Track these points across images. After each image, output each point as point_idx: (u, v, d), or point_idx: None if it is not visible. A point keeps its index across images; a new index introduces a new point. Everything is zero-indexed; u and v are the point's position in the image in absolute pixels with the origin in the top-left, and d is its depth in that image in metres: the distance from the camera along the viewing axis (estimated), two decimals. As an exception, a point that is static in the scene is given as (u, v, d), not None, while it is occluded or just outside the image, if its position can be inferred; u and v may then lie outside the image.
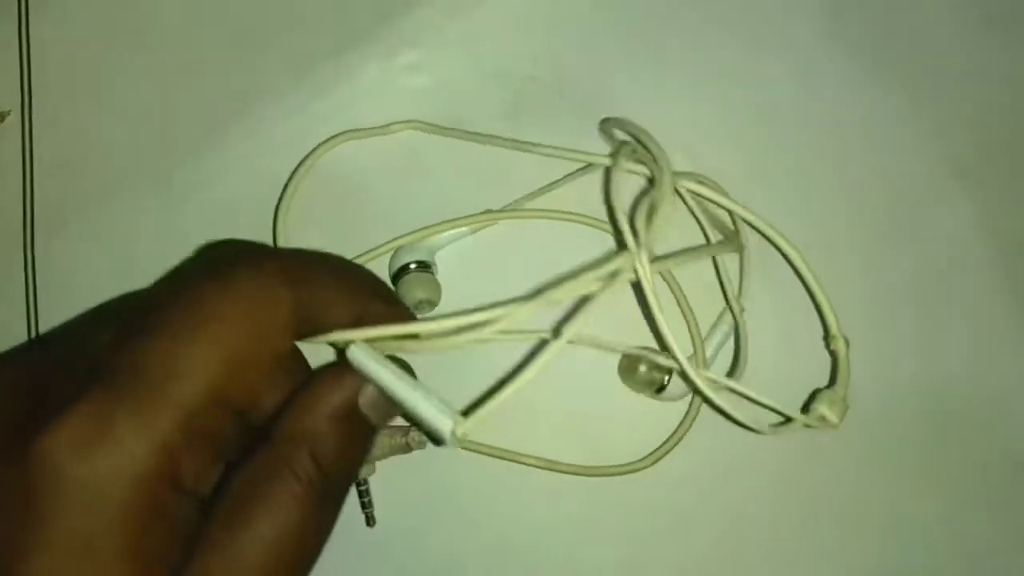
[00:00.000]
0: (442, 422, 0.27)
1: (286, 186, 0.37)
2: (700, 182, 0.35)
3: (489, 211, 0.37)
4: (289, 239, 0.36)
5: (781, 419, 0.32)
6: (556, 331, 0.27)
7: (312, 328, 0.26)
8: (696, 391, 0.30)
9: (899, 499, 0.36)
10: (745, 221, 0.35)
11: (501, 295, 0.35)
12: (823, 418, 0.31)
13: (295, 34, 0.38)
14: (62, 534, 0.21)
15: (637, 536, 0.36)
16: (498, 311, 0.28)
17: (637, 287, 0.29)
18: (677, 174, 0.35)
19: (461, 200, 0.37)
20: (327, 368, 0.28)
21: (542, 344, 0.33)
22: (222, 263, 0.26)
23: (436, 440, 0.26)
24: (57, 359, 0.25)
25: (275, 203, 0.37)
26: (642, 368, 0.35)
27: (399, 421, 0.32)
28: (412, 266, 0.35)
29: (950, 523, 0.36)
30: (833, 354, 0.33)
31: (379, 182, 0.38)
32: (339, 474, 0.26)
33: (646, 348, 0.34)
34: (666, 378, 0.35)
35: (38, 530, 0.21)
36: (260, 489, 0.24)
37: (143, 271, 0.33)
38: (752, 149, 0.38)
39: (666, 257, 0.33)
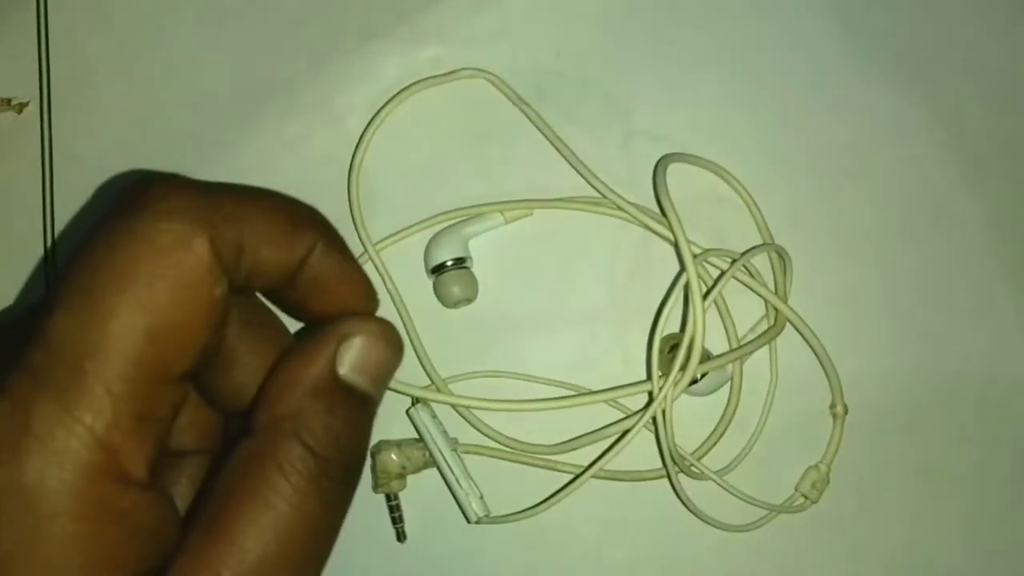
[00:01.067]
0: (470, 510, 0.34)
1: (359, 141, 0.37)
2: (744, 270, 0.35)
3: (526, 200, 0.37)
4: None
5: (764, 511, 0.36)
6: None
7: (248, 271, 0.23)
8: (674, 489, 0.34)
9: (917, 490, 0.38)
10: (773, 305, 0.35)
11: (534, 290, 0.37)
12: (804, 497, 0.35)
13: (317, 28, 0.36)
14: None
15: (668, 537, 0.37)
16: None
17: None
18: (714, 252, 0.35)
19: (502, 183, 0.37)
20: (303, 338, 0.24)
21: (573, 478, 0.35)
22: (124, 211, 0.21)
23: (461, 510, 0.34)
24: None
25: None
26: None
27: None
28: (449, 263, 0.36)
29: (969, 513, 0.38)
30: (833, 418, 0.36)
31: (423, 153, 0.38)
32: (337, 458, 0.22)
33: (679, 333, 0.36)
34: (699, 373, 0.35)
35: None
36: (242, 491, 0.21)
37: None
38: (769, 146, 0.38)
39: (718, 356, 0.35)
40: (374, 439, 0.35)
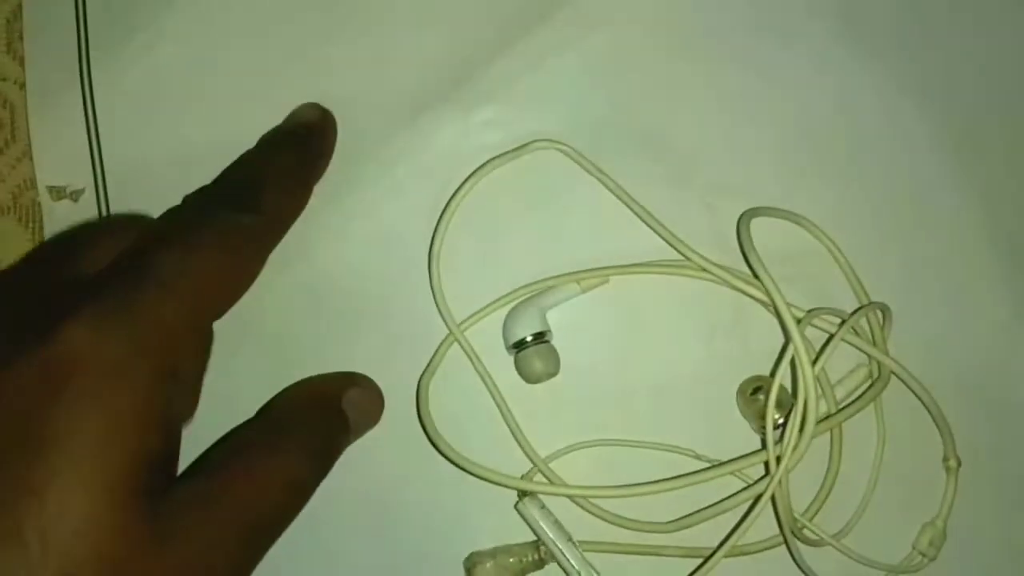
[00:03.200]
0: None
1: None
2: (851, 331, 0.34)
3: (601, 268, 0.36)
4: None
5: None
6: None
7: None
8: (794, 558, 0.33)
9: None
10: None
11: (616, 357, 0.36)
12: (922, 556, 0.34)
13: (368, 101, 0.36)
14: (86, 396, 0.24)
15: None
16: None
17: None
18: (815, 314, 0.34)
19: (576, 251, 0.36)
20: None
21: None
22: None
23: None
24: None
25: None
26: (761, 397, 0.35)
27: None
28: (528, 339, 0.35)
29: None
30: (946, 471, 0.35)
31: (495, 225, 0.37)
32: (322, 450, 0.31)
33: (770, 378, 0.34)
34: (780, 417, 0.34)
35: (67, 396, 0.24)
36: (255, 448, 0.29)
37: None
38: (839, 189, 0.37)
39: (830, 416, 0.33)
40: (465, 551, 0.35)
